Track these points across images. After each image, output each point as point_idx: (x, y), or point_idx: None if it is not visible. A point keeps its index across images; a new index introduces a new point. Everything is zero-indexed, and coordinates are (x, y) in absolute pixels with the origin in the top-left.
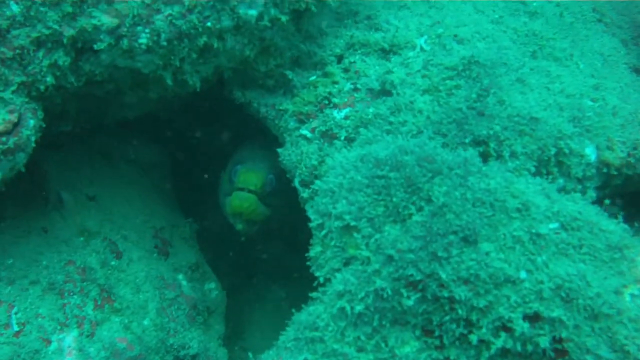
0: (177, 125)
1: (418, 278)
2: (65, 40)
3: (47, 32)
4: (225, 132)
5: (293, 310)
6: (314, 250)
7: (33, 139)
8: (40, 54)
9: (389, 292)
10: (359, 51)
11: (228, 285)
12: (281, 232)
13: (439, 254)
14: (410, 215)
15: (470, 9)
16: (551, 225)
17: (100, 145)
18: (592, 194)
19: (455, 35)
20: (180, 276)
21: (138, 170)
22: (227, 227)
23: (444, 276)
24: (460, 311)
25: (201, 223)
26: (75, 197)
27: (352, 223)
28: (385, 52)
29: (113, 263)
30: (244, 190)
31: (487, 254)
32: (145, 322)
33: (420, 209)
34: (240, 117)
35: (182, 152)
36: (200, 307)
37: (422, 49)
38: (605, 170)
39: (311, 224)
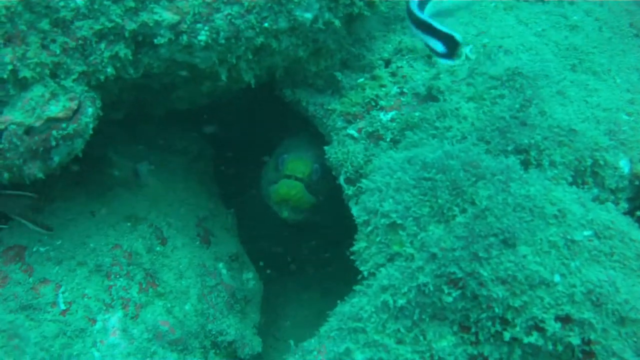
0: (220, 116)
1: (459, 276)
2: (126, 34)
3: (109, 25)
4: (268, 125)
5: (337, 301)
6: (358, 245)
7: (91, 126)
8: (102, 45)
9: (431, 288)
10: (407, 56)
11: (264, 276)
12: (322, 222)
13: (480, 254)
14: (454, 216)
15: (512, 20)
16: (585, 233)
17: (147, 134)
18: (624, 205)
19: (500, 46)
20: (221, 265)
21: (183, 160)
22: (265, 218)
23: (485, 275)
24: (496, 309)
25: (240, 213)
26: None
27: (399, 221)
28: (432, 59)
29: (158, 249)
30: (291, 177)
31: (524, 256)
32: (187, 307)
33: (463, 211)
34: (283, 112)
35: (224, 142)
36: (238, 296)
37: (467, 57)
38: (637, 182)
39: (357, 220)
